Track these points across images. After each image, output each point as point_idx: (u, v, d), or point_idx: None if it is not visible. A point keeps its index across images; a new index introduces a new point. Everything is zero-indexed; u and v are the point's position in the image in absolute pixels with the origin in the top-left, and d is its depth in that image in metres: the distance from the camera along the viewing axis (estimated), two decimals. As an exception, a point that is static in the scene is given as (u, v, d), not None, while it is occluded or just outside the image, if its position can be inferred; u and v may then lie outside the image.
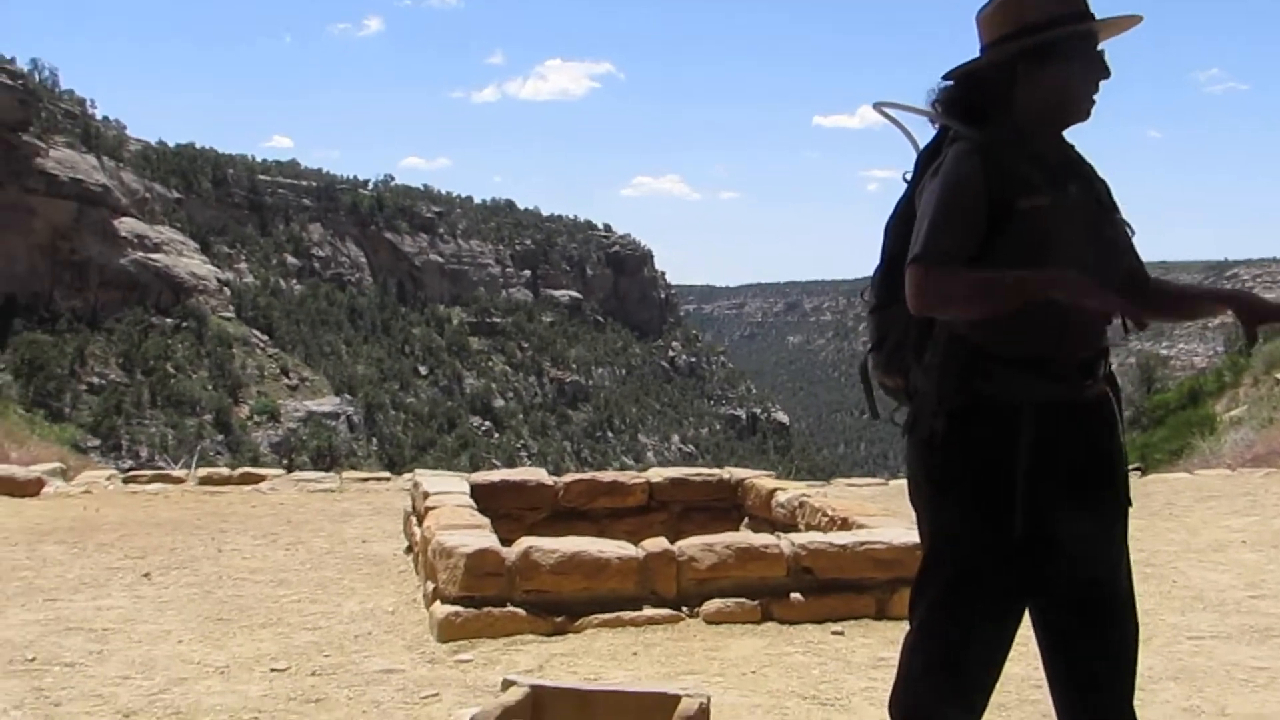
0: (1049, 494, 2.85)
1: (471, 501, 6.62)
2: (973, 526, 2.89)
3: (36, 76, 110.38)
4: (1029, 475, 2.82)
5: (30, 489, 9.72)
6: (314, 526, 8.33)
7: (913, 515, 3.24)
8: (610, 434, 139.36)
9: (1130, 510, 3.02)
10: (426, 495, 6.69)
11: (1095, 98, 2.94)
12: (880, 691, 4.42)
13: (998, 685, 3.94)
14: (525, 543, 5.44)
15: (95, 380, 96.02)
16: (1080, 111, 2.95)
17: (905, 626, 3.25)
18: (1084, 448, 2.89)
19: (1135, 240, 3.06)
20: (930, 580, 3.03)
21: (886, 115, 3.15)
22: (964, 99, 2.99)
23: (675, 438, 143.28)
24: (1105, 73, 2.92)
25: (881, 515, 6.43)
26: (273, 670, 4.74)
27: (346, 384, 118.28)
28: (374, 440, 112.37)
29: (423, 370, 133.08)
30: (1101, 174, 3.05)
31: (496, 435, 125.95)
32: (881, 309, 3.04)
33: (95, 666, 4.78)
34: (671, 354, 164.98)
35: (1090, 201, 2.93)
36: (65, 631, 5.31)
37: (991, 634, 2.99)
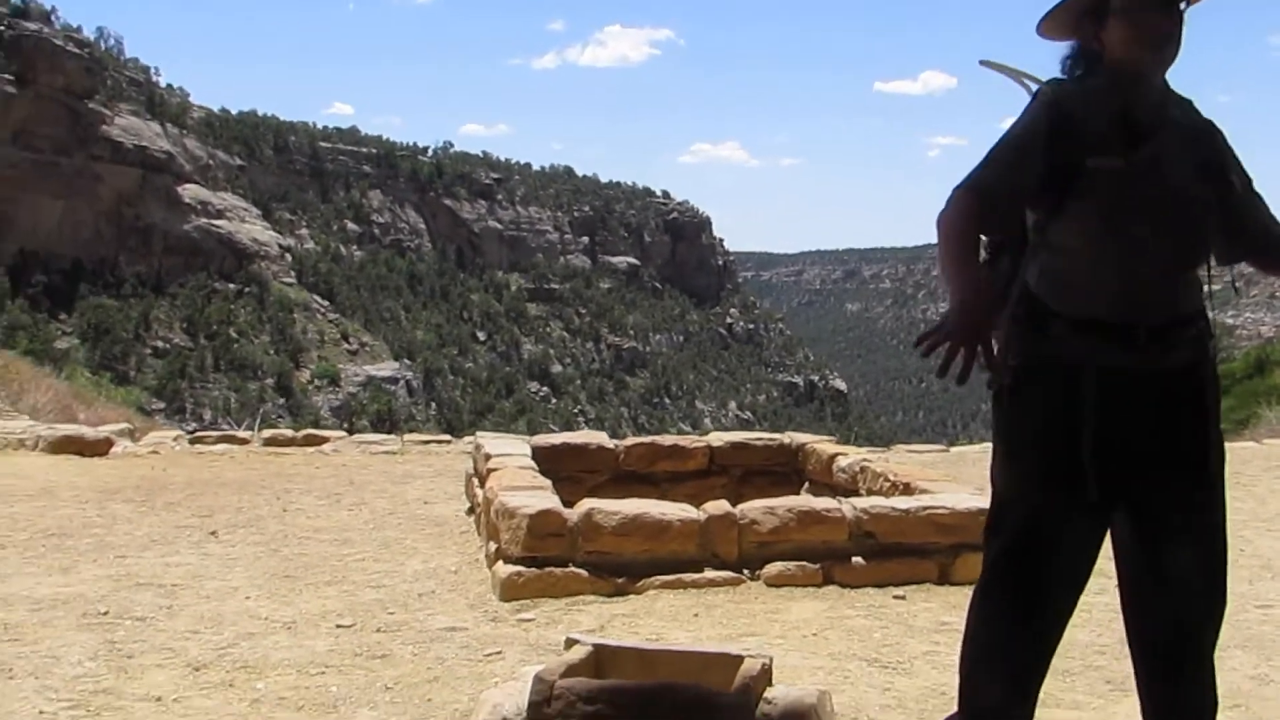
0: (1114, 466, 2.82)
1: (533, 464, 6.66)
2: (1032, 489, 2.89)
3: (102, 45, 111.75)
4: (1094, 443, 2.79)
5: (99, 448, 9.89)
6: (376, 488, 8.41)
7: (975, 481, 3.25)
8: (667, 400, 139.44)
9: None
10: (489, 457, 6.73)
11: (1161, 41, 2.82)
12: (943, 655, 4.41)
13: (1062, 649, 3.92)
14: (587, 504, 5.47)
15: (159, 344, 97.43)
16: (1147, 58, 2.84)
17: (968, 592, 3.25)
18: (1156, 421, 2.82)
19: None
20: (992, 539, 3.03)
21: (997, 69, 3.12)
22: (1076, 53, 2.96)
23: (732, 404, 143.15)
24: (1161, 12, 2.82)
25: (944, 481, 6.39)
26: (338, 626, 4.80)
27: (405, 349, 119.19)
28: (432, 405, 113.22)
29: (481, 336, 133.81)
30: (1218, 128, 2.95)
31: (554, 401, 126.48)
32: (992, 262, 3.03)
33: (165, 621, 4.86)
34: (729, 321, 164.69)
35: (1179, 161, 2.82)
36: (136, 587, 5.40)
37: (1051, 597, 2.98)
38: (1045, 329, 2.83)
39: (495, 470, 6.33)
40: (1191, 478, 2.85)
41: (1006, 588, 3.05)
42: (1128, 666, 3.20)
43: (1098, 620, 4.88)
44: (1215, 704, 3.00)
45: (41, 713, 3.79)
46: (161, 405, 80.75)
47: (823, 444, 7.69)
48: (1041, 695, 3.32)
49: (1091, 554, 3.00)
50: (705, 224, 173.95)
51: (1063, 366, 2.81)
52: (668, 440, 7.69)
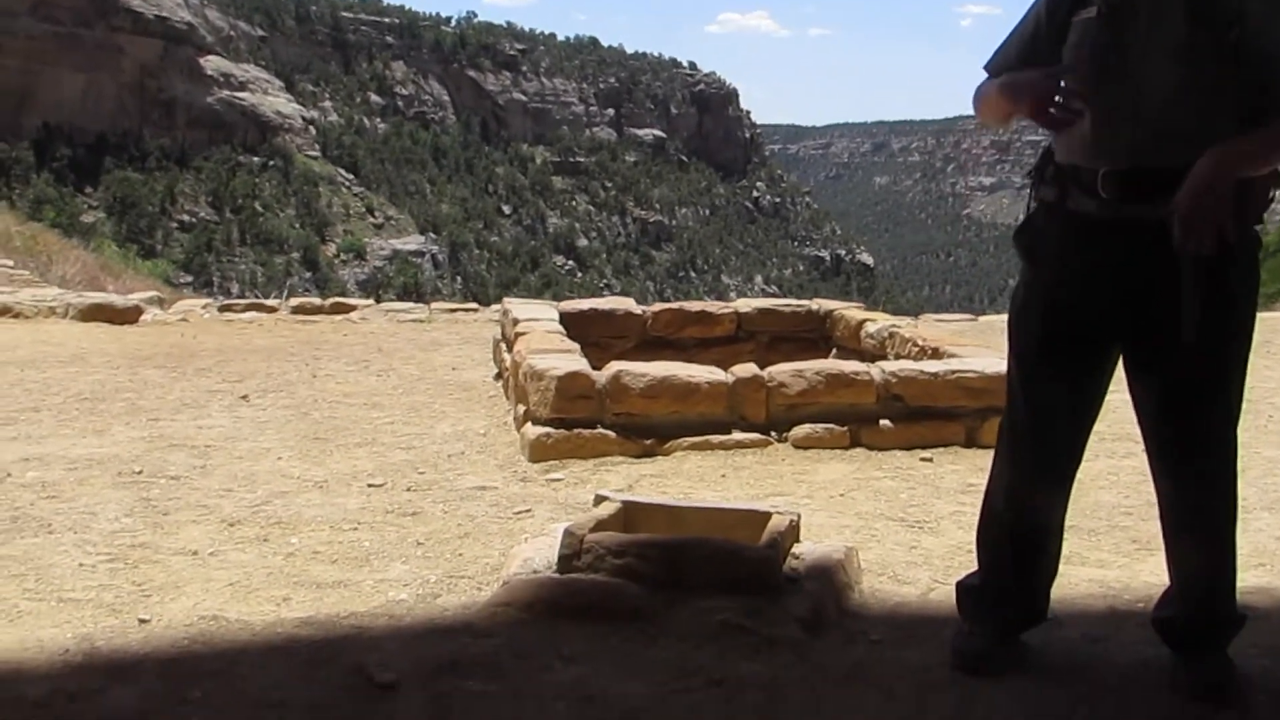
0: (1081, 307, 2.90)
1: (561, 328, 6.66)
2: (1024, 318, 3.04)
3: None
4: (1060, 284, 2.92)
5: (129, 316, 9.94)
6: (404, 354, 8.45)
7: (1004, 348, 3.24)
8: (693, 274, 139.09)
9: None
10: (516, 322, 6.74)
11: None
12: (968, 515, 4.42)
13: (1088, 510, 3.94)
14: (615, 366, 5.48)
15: (185, 218, 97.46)
16: None
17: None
18: (1125, 273, 2.83)
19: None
20: (1007, 363, 3.17)
21: None
22: None
23: (758, 278, 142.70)
24: None
25: (973, 346, 6.37)
26: (369, 485, 4.85)
27: (431, 223, 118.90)
28: (458, 278, 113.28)
29: (506, 209, 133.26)
30: None
31: (579, 275, 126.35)
32: None
33: (199, 480, 4.93)
34: (755, 194, 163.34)
35: (1166, 7, 2.72)
36: (169, 448, 5.47)
37: (1054, 414, 3.04)
38: (1044, 174, 2.97)
39: (523, 334, 6.34)
40: (1169, 337, 2.81)
41: (1012, 441, 3.10)
42: (1154, 527, 3.22)
43: (1125, 483, 4.89)
44: (1224, 565, 3.01)
45: (81, 565, 3.86)
46: (189, 279, 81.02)
47: (851, 310, 7.66)
48: (1067, 553, 3.36)
49: (1090, 394, 3.02)
50: (732, 96, 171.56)
51: (1050, 209, 2.95)
52: (695, 306, 7.68)
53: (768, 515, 3.72)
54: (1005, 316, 3.22)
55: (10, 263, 15.34)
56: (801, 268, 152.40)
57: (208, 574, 3.80)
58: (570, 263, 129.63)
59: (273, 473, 5.05)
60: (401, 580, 3.75)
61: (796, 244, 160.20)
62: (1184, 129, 2.73)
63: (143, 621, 3.37)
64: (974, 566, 3.36)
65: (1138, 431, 3.09)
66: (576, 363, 5.54)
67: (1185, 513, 2.99)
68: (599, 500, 3.86)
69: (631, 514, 3.77)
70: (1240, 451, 2.99)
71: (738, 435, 5.41)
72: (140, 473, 5.00)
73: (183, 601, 3.55)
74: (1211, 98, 2.74)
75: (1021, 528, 3.16)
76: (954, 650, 3.15)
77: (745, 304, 7.83)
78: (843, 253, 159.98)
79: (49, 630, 3.30)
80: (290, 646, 3.18)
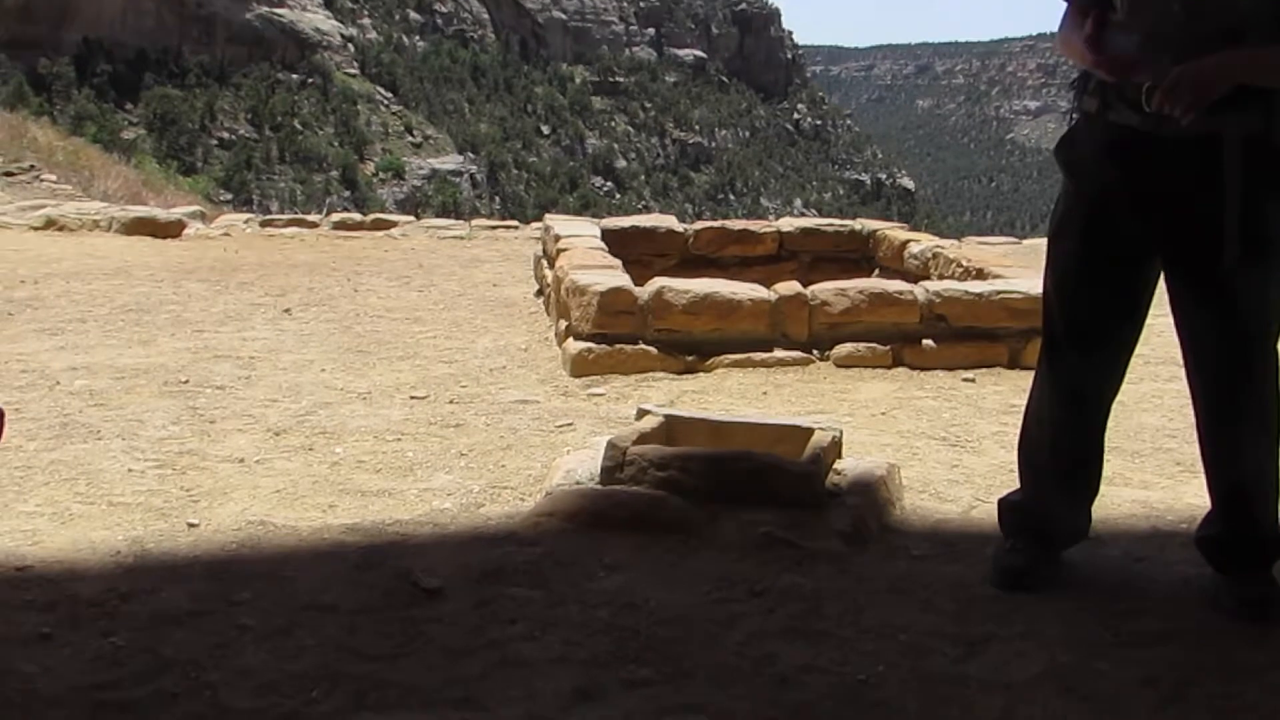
0: (1121, 222, 2.90)
1: (603, 245, 6.64)
2: (1063, 233, 3.03)
3: None
4: (1100, 198, 2.91)
5: (172, 230, 9.99)
6: (445, 271, 8.46)
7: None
8: (732, 197, 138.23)
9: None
10: (558, 238, 6.73)
11: None
12: (1010, 435, 4.39)
13: (1132, 432, 3.92)
14: (658, 282, 5.47)
15: (225, 135, 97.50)
16: None
17: (1040, 375, 3.28)
18: (1167, 187, 2.82)
19: None
20: (1044, 292, 3.17)
21: None
22: None
23: (798, 201, 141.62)
24: None
25: (1018, 267, 6.32)
26: (412, 398, 4.89)
27: (469, 142, 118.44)
28: (496, 199, 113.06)
29: (545, 130, 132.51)
30: None
31: (618, 196, 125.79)
32: None
33: (244, 390, 4.97)
34: (796, 116, 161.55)
35: None
36: (214, 359, 5.52)
37: (1093, 332, 3.04)
38: (1086, 86, 2.96)
39: (565, 250, 6.33)
40: (1209, 255, 2.80)
41: (1052, 360, 3.09)
42: (1197, 449, 3.20)
43: (1169, 406, 4.86)
44: (1266, 482, 2.99)
45: (130, 470, 3.92)
46: (229, 196, 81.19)
47: (894, 230, 7.60)
48: (1110, 474, 3.36)
49: (1128, 312, 3.00)
50: (774, 16, 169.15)
51: (1090, 121, 2.94)
52: (737, 224, 7.64)
53: (810, 431, 3.73)
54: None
55: (54, 177, 15.44)
56: (841, 191, 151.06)
57: (254, 481, 3.85)
58: (609, 184, 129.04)
59: (316, 384, 5.09)
60: (445, 490, 3.78)
61: (837, 167, 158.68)
62: (1227, 45, 2.71)
63: (191, 526, 3.43)
64: (1016, 485, 3.36)
65: (1180, 354, 3.08)
66: (619, 278, 5.53)
67: (1225, 431, 2.97)
68: (641, 414, 3.88)
69: (674, 428, 3.79)
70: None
71: (779, 353, 5.40)
72: (186, 382, 5.05)
73: (230, 507, 3.60)
74: (1255, 12, 2.71)
75: (1062, 447, 3.16)
76: (995, 566, 3.16)
77: (788, 223, 7.78)
78: (883, 177, 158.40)
79: (100, 533, 3.36)
80: (337, 552, 3.22)
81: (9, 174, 15.00)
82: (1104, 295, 3.00)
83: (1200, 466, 3.19)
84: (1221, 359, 2.91)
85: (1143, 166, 2.84)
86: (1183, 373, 3.11)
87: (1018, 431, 3.38)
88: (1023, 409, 3.37)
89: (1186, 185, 2.80)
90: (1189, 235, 2.84)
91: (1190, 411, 3.15)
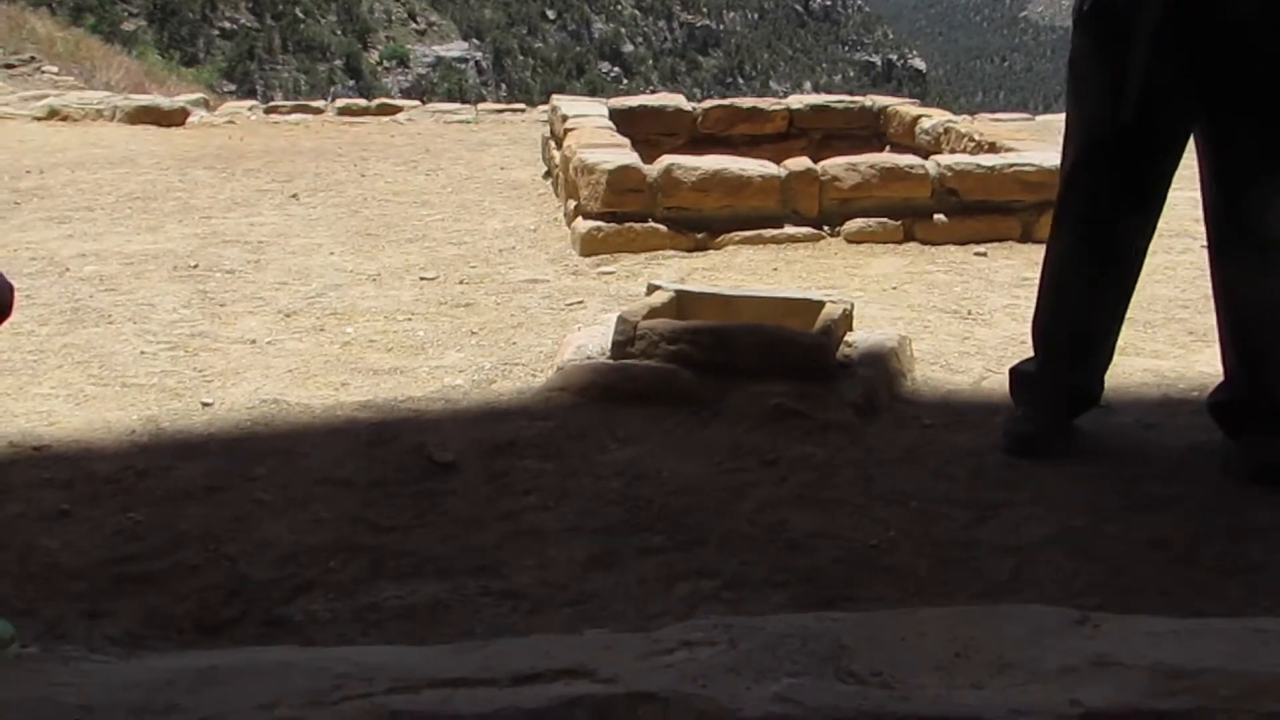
0: (1148, 75, 2.82)
1: (611, 124, 6.57)
2: (1084, 92, 2.97)
3: None
4: (1126, 50, 2.82)
5: (176, 119, 9.90)
6: (452, 155, 8.39)
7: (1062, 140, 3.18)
8: (741, 80, 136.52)
9: None
10: (565, 118, 6.65)
11: None
12: (1022, 308, 4.40)
13: (1145, 303, 3.90)
14: (667, 160, 5.42)
15: (226, 25, 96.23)
16: None
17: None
18: (1188, 33, 2.76)
19: None
20: (1064, 160, 3.10)
21: None
22: None
23: (807, 84, 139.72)
24: None
25: (1031, 140, 6.25)
26: (422, 279, 4.88)
27: (474, 28, 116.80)
28: (502, 85, 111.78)
29: (550, 14, 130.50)
30: None
31: (625, 81, 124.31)
32: None
33: (254, 274, 4.97)
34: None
35: None
36: (222, 244, 5.50)
37: (1118, 208, 2.99)
38: None
39: (573, 130, 6.26)
40: (1238, 109, 2.76)
41: (1076, 224, 3.05)
42: (1210, 320, 3.20)
43: (1182, 277, 4.83)
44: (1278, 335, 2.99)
45: (142, 353, 3.93)
46: (232, 87, 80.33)
47: (905, 106, 7.50)
48: (1122, 344, 3.35)
49: (1153, 180, 2.97)
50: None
51: None
52: (746, 102, 7.54)
53: (821, 304, 3.71)
54: (1063, 116, 3.13)
55: (55, 69, 15.29)
56: (852, 73, 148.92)
57: (266, 361, 3.86)
58: (616, 69, 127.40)
59: (326, 267, 5.08)
60: (457, 367, 3.79)
61: (847, 49, 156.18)
62: None
63: (205, 405, 3.45)
64: (1027, 356, 3.36)
65: (1196, 228, 3.05)
66: (627, 156, 5.48)
67: (1242, 292, 2.96)
68: (652, 289, 3.87)
69: (684, 302, 3.78)
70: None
71: (790, 229, 5.37)
72: (195, 267, 5.04)
73: (243, 387, 3.61)
74: None
75: (1085, 311, 3.14)
76: (1006, 434, 3.17)
77: (797, 100, 7.68)
78: (894, 58, 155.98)
79: (115, 413, 3.38)
80: (350, 428, 3.24)
81: (9, 66, 14.84)
82: (1128, 160, 2.94)
83: (1213, 336, 3.18)
84: (1247, 220, 2.88)
85: (1173, 12, 2.77)
86: (1196, 244, 3.11)
87: (1029, 305, 3.37)
88: (1035, 283, 3.35)
89: (1220, 34, 2.74)
90: (1220, 88, 2.79)
91: (1204, 283, 3.14)
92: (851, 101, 7.68)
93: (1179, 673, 1.73)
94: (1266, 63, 2.77)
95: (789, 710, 1.66)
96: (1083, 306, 3.14)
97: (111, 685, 1.75)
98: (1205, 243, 3.14)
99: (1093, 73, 2.96)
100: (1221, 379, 3.14)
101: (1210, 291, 3.14)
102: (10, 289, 1.95)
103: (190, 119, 10.05)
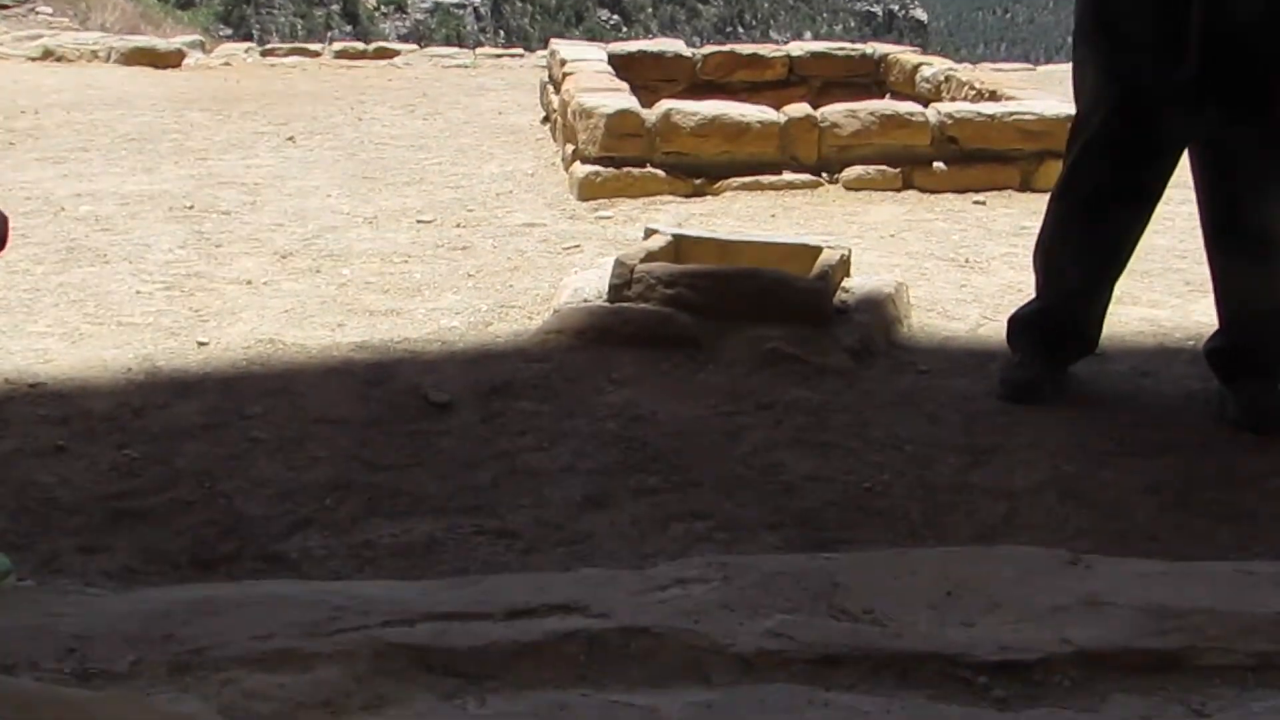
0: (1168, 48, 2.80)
1: (609, 69, 6.52)
2: (1122, 70, 2.91)
3: None
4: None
5: (171, 60, 9.82)
6: (450, 99, 8.33)
7: (1064, 91, 3.16)
8: (740, 29, 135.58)
9: None
10: (564, 62, 6.60)
11: None
12: (1020, 256, 4.39)
13: (1143, 253, 3.91)
14: (666, 104, 5.39)
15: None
16: None
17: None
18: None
19: None
20: (1074, 142, 3.08)
21: None
22: None
23: (807, 34, 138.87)
24: None
25: (1032, 89, 6.22)
26: (419, 222, 4.86)
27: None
28: (500, 32, 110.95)
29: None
30: None
31: (624, 29, 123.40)
32: None
33: (250, 215, 4.94)
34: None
35: None
36: (218, 186, 5.47)
37: (1133, 182, 2.97)
38: None
39: (571, 74, 6.22)
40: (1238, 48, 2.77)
41: (1086, 185, 3.04)
42: (1206, 270, 3.20)
43: (1180, 228, 4.81)
44: (1275, 290, 2.99)
45: (138, 293, 3.92)
46: (228, 31, 79.73)
47: (906, 54, 7.45)
48: (1118, 294, 3.35)
49: (1174, 148, 2.97)
50: None
51: None
52: (747, 49, 7.49)
53: (818, 249, 3.71)
54: (1066, 66, 3.11)
55: (49, 10, 15.14)
56: (852, 23, 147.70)
57: (262, 302, 3.85)
58: (615, 17, 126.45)
59: (322, 209, 5.06)
60: (453, 309, 3.79)
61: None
62: None
63: (201, 344, 3.44)
64: (1024, 303, 3.36)
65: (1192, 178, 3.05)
66: (626, 100, 5.45)
67: (1235, 233, 2.96)
68: (649, 233, 3.86)
69: (682, 247, 3.77)
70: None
71: (788, 176, 5.35)
72: (191, 208, 5.02)
73: (239, 327, 3.61)
74: None
75: (1098, 250, 3.13)
76: (1002, 380, 3.18)
77: (798, 47, 7.63)
78: (895, 8, 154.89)
79: (111, 351, 3.38)
80: (346, 368, 3.24)
81: (3, 6, 14.70)
82: (1153, 135, 2.94)
83: (1209, 285, 3.19)
84: (1237, 157, 2.89)
85: None
86: (1193, 195, 3.09)
87: (1027, 253, 3.37)
88: (1033, 232, 3.35)
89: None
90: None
91: (1201, 233, 3.14)
92: (852, 49, 7.64)
93: (1169, 612, 1.74)
94: (1267, 63, 2.77)
95: (781, 645, 1.67)
96: (1083, 257, 3.14)
97: (107, 615, 1.76)
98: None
99: (1132, 20, 2.91)
100: (1219, 324, 3.14)
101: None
102: (5, 220, 1.94)
103: (186, 61, 9.97)
